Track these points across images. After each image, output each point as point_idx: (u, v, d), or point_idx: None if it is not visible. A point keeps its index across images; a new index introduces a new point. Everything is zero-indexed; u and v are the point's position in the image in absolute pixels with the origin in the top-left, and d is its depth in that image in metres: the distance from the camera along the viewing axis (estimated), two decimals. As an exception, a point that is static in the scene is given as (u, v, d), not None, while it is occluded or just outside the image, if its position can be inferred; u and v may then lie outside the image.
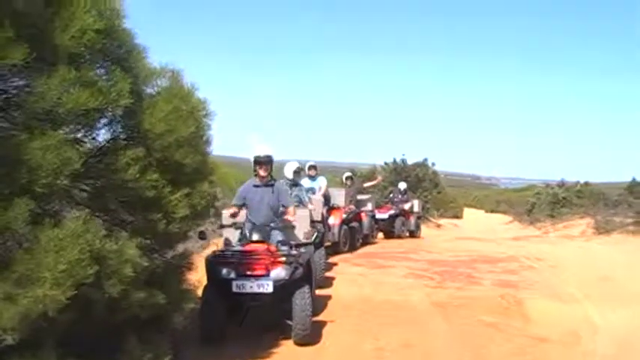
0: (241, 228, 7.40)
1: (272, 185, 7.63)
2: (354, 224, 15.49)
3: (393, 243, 18.51)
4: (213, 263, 6.66)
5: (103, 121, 4.37)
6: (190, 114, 4.94)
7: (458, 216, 42.52)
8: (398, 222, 20.48)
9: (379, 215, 19.55)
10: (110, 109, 4.25)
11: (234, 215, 7.45)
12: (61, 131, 3.95)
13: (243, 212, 7.61)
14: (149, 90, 4.94)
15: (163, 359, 4.78)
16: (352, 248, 14.97)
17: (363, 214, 16.69)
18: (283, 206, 7.66)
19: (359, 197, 17.29)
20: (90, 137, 4.39)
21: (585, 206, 27.31)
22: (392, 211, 20.49)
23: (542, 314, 8.79)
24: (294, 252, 6.91)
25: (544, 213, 30.80)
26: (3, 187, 3.62)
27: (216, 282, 6.68)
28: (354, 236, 15.39)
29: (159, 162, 4.71)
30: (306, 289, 6.84)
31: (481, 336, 7.59)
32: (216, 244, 7.62)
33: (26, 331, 3.60)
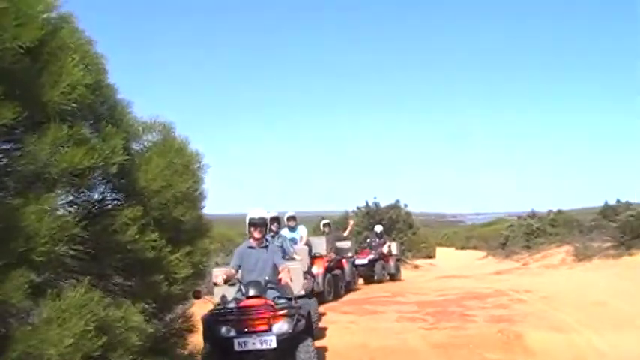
0: (235, 284, 7.09)
1: (266, 247, 7.42)
2: (337, 272, 15.24)
3: (376, 288, 18.21)
4: (212, 322, 6.30)
5: (97, 180, 4.09)
6: (186, 168, 4.72)
7: (431, 255, 42.23)
8: (378, 266, 20.20)
9: (359, 261, 19.27)
10: (104, 168, 3.98)
11: (229, 277, 7.11)
12: (53, 194, 3.68)
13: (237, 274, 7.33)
14: (138, 146, 4.70)
15: None
16: (337, 296, 14.70)
17: (344, 261, 16.43)
18: (276, 266, 7.41)
19: (337, 244, 17.05)
20: (84, 199, 4.11)
21: (561, 234, 27.36)
22: (371, 256, 20.20)
23: (543, 346, 8.66)
24: (294, 304, 6.63)
25: (519, 245, 30.74)
26: (2, 256, 3.34)
27: (215, 341, 6.33)
28: (338, 284, 15.14)
29: (157, 221, 4.45)
30: (309, 341, 6.56)
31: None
32: (211, 302, 7.28)
33: None
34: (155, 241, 4.35)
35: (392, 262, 21.02)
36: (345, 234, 20.29)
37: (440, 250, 50.51)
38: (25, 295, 3.32)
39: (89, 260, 4.14)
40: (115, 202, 4.28)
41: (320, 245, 14.62)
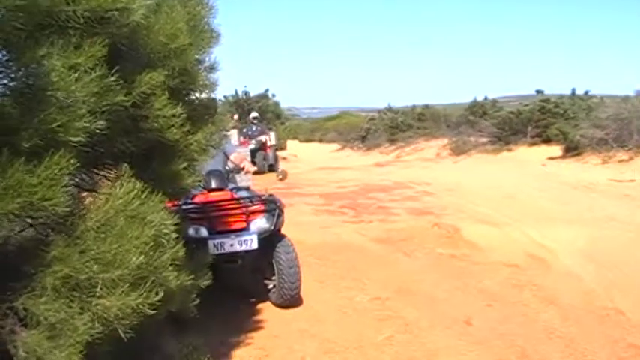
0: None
1: None
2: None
3: (260, 179, 17.42)
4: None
5: (116, 29, 2.84)
6: (207, 24, 3.54)
7: (282, 147, 41.69)
8: (258, 157, 19.35)
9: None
10: (127, 13, 2.76)
11: None
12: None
13: None
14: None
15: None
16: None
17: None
18: (225, 155, 6.34)
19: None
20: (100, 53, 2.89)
21: (429, 129, 27.62)
22: (251, 146, 19.29)
23: (485, 241, 8.33)
24: (270, 197, 5.69)
25: (383, 138, 30.90)
26: (28, 137, 2.17)
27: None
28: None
29: (173, 91, 3.28)
30: (287, 240, 5.68)
31: (459, 269, 6.95)
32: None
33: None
34: (176, 117, 3.20)
35: (271, 153, 20.26)
36: (229, 126, 19.33)
37: (288, 143, 50.22)
38: (67, 193, 2.19)
39: (103, 144, 2.96)
40: (131, 62, 3.05)
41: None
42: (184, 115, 3.30)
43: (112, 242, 2.27)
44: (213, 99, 3.85)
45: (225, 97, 29.91)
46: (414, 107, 31.99)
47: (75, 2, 2.47)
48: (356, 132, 37.03)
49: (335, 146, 39.33)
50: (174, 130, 3.25)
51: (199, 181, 3.66)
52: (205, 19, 3.60)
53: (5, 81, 2.24)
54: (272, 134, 21.04)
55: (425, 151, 23.96)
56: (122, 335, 2.28)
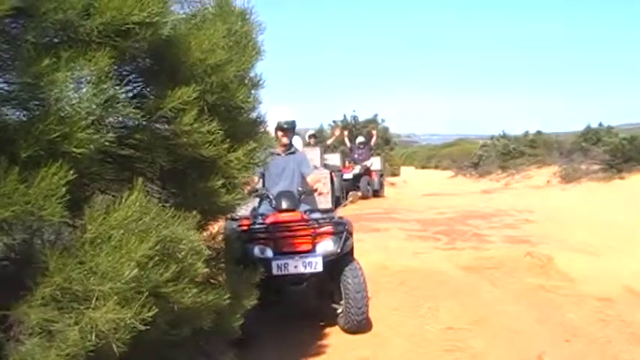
0: (262, 196, 5.97)
1: (293, 154, 6.33)
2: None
3: (363, 204, 17.30)
4: (242, 240, 5.15)
5: (142, 44, 2.85)
6: (248, 39, 3.51)
7: (395, 173, 41.46)
8: (363, 181, 19.29)
9: (344, 175, 18.31)
10: (154, 28, 2.76)
11: (251, 188, 5.86)
12: (93, 56, 2.48)
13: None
14: (182, 9, 3.43)
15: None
16: (327, 212, 13.79)
17: (333, 175, 15.46)
18: (303, 176, 6.31)
19: (325, 158, 16.03)
20: (126, 69, 2.91)
21: (540, 156, 26.66)
22: (356, 171, 19.26)
23: (582, 272, 7.82)
24: (339, 219, 5.59)
25: (494, 165, 30.13)
26: (26, 146, 2.18)
27: (246, 264, 5.21)
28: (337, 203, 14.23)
29: (212, 107, 3.26)
30: (356, 264, 5.54)
31: (545, 301, 6.53)
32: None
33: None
34: (212, 133, 3.16)
35: (376, 178, 20.16)
36: (329, 142, 19.44)
37: (402, 169, 49.98)
38: (62, 204, 2.18)
39: (131, 157, 2.98)
40: (161, 77, 3.05)
41: (314, 157, 13.58)
42: (222, 132, 3.29)
43: (108, 254, 2.24)
44: (257, 116, 3.78)
45: (334, 122, 30.14)
46: (526, 134, 31.00)
47: (90, 16, 2.50)
48: (469, 159, 36.41)
49: (449, 173, 38.80)
50: (211, 147, 3.22)
51: (240, 199, 3.58)
52: (249, 36, 3.58)
53: (7, 89, 2.27)
54: (378, 159, 20.93)
55: (534, 178, 23.09)
56: (115, 350, 2.23)
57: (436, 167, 49.57)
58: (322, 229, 5.41)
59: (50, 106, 2.27)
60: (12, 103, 2.26)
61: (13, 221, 2.12)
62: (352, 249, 5.64)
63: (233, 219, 5.51)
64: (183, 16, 3.09)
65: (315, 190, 6.13)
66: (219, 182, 3.33)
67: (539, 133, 30.41)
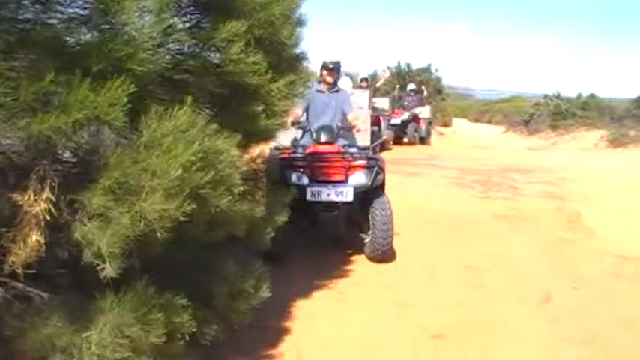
0: (304, 129, 6.40)
1: (337, 92, 6.74)
2: (374, 128, 14.50)
3: (408, 150, 17.62)
4: (282, 167, 5.61)
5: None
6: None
7: (447, 124, 41.26)
8: (410, 128, 19.55)
9: (392, 120, 18.55)
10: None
11: (294, 119, 6.28)
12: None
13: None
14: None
15: (263, 286, 3.87)
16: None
17: (381, 118, 15.74)
18: (344, 114, 6.69)
19: (375, 101, 16.27)
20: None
21: (591, 118, 26.33)
22: (404, 117, 19.50)
23: (609, 230, 8.03)
24: (372, 154, 5.98)
25: (545, 124, 29.80)
26: (97, 62, 2.60)
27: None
28: (374, 142, 14.51)
29: (258, 41, 3.64)
30: (385, 198, 5.94)
31: (564, 252, 6.84)
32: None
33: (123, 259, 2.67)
34: (257, 64, 3.55)
35: (424, 126, 20.32)
36: (378, 84, 19.61)
37: (455, 121, 49.70)
38: (124, 112, 2.60)
39: (183, 81, 3.39)
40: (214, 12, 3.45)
41: (362, 99, 13.86)
42: (265, 64, 3.68)
43: (158, 157, 2.68)
44: (301, 52, 4.15)
45: (388, 67, 30.11)
46: (579, 96, 30.48)
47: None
48: (521, 116, 35.99)
49: (501, 128, 38.50)
50: (255, 76, 3.62)
51: (278, 125, 3.99)
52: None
53: (83, 13, 2.69)
54: (427, 108, 21.07)
55: (583, 140, 22.86)
56: (158, 236, 2.68)
57: (489, 122, 48.98)
58: (356, 163, 5.82)
59: (118, 30, 2.68)
60: (87, 26, 2.67)
61: (84, 122, 2.55)
62: (383, 184, 6.03)
63: (277, 149, 6.00)
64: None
65: (354, 127, 6.52)
66: (260, 108, 3.74)
67: (592, 96, 29.87)
